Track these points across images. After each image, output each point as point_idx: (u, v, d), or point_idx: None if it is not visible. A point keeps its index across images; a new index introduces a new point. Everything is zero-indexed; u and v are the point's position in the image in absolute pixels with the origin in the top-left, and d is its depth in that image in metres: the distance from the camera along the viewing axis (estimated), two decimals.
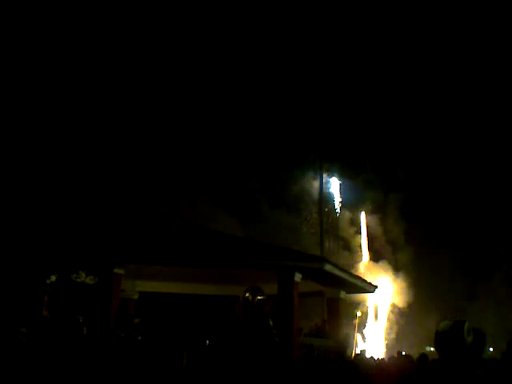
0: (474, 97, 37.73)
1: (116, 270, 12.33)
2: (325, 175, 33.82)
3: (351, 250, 38.46)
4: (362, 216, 38.26)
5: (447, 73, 38.68)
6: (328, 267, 13.16)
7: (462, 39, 37.58)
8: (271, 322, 8.36)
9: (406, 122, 39.00)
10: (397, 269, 37.50)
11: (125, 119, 28.78)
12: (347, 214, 38.58)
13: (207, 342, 12.37)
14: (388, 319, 37.28)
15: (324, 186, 31.67)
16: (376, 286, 16.77)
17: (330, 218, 30.07)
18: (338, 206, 37.41)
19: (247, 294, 9.00)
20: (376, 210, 38.84)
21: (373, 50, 38.14)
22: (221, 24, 35.61)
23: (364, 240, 37.56)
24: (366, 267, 37.00)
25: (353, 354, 16.44)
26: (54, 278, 11.95)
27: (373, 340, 35.95)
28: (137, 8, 32.40)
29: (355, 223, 38.83)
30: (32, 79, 25.36)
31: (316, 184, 36.93)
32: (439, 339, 4.39)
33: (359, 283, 15.54)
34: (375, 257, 38.36)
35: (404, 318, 37.33)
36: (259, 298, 8.92)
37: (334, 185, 37.66)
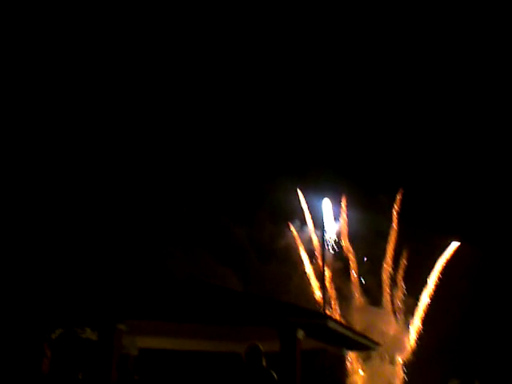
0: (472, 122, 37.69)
1: (118, 326, 12.24)
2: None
3: (345, 297, 37.93)
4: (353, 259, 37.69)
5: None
6: (331, 324, 13.06)
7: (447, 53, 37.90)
8: (275, 376, 8.30)
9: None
10: (397, 317, 36.99)
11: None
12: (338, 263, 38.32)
13: None
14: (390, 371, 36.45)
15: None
16: (378, 344, 16.59)
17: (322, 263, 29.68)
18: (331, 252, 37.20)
19: (250, 353, 8.95)
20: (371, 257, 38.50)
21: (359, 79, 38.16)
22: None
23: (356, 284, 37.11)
24: (362, 314, 36.36)
25: None
26: (58, 332, 11.86)
27: None
28: (136, 7, 32.61)
29: (347, 270, 38.38)
30: (30, 79, 25.44)
31: (303, 235, 37.14)
32: None
33: (362, 340, 15.39)
34: (372, 304, 37.79)
35: (406, 372, 36.52)
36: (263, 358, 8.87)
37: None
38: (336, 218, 37.32)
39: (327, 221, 36.07)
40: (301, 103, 37.43)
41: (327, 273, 35.83)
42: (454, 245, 36.87)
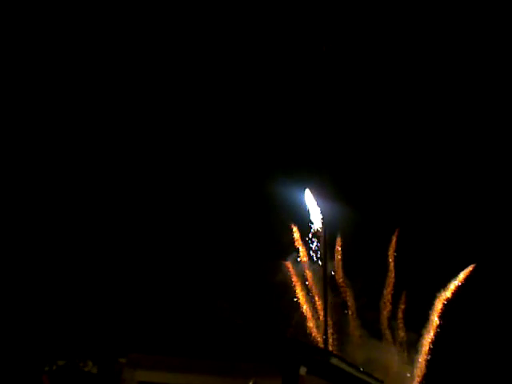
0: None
1: (119, 359, 12.10)
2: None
3: (344, 332, 37.37)
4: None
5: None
6: (334, 361, 12.86)
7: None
8: None
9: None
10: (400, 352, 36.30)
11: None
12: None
13: None
14: None
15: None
16: (382, 381, 16.32)
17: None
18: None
19: None
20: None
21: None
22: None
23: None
24: (363, 349, 35.77)
25: None
26: (60, 363, 11.66)
27: None
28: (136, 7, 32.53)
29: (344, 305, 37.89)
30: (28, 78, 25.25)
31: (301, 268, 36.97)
32: None
33: (365, 378, 15.13)
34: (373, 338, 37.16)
35: None
36: None
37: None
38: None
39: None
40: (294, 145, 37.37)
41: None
42: (455, 282, 36.48)
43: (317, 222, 36.26)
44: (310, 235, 36.37)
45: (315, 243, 36.38)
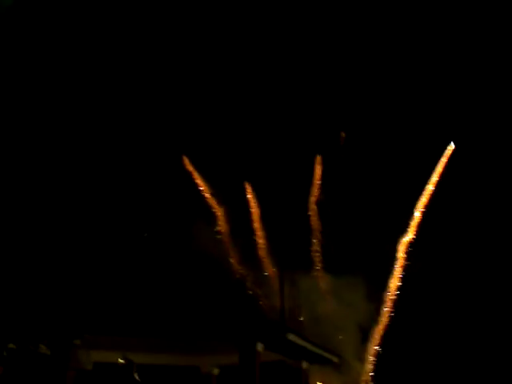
0: None
1: (74, 341, 11.96)
2: None
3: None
4: None
5: None
6: (291, 337, 12.96)
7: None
8: None
9: None
10: None
11: None
12: None
13: None
14: None
15: None
16: (340, 356, 16.55)
17: None
18: None
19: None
20: None
21: None
22: None
23: None
24: None
25: None
26: (10, 347, 11.44)
27: None
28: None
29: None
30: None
31: None
32: None
33: (322, 353, 15.31)
34: None
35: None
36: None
37: None
38: None
39: None
40: None
41: None
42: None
43: None
44: None
45: None
